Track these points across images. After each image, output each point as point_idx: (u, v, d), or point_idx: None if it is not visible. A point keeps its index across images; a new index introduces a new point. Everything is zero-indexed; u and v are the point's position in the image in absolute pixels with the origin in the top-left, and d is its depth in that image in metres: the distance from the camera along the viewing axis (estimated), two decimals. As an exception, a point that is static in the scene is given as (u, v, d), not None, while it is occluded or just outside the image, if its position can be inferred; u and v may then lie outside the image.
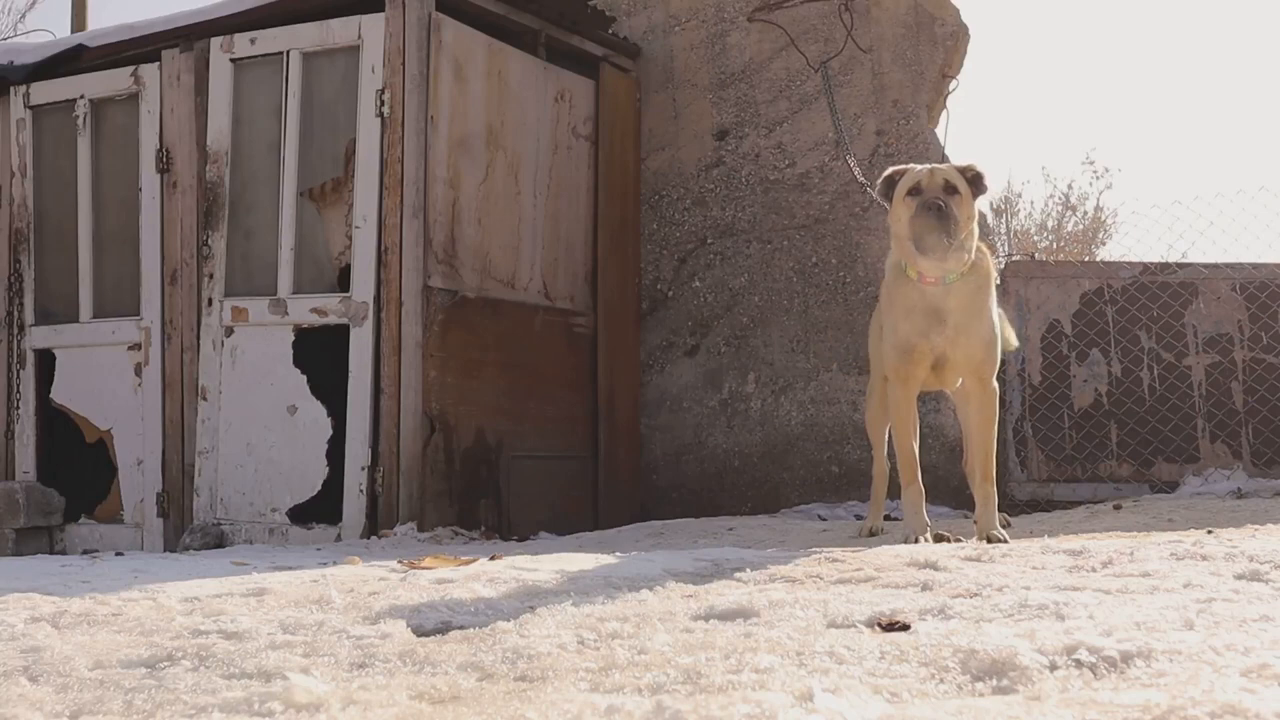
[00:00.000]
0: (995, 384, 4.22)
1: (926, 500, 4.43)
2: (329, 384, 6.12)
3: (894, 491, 5.50)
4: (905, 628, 2.13)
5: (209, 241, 6.48)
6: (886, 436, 4.92)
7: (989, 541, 3.84)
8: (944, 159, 6.91)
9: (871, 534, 4.97)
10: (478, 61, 6.40)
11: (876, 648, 1.94)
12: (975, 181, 4.01)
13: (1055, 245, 15.50)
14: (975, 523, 4.21)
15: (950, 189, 3.94)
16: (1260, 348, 6.70)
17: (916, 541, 3.99)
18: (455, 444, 6.22)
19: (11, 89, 7.08)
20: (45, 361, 7.02)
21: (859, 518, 5.95)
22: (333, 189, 6.29)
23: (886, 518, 5.29)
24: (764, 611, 2.35)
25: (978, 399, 4.21)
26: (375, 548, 5.38)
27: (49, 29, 30.61)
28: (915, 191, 3.96)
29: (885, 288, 4.26)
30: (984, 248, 4.13)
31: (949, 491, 6.45)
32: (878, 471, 5.14)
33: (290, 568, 3.79)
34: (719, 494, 7.20)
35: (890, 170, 4.17)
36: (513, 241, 6.63)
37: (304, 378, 6.20)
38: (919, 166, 4.08)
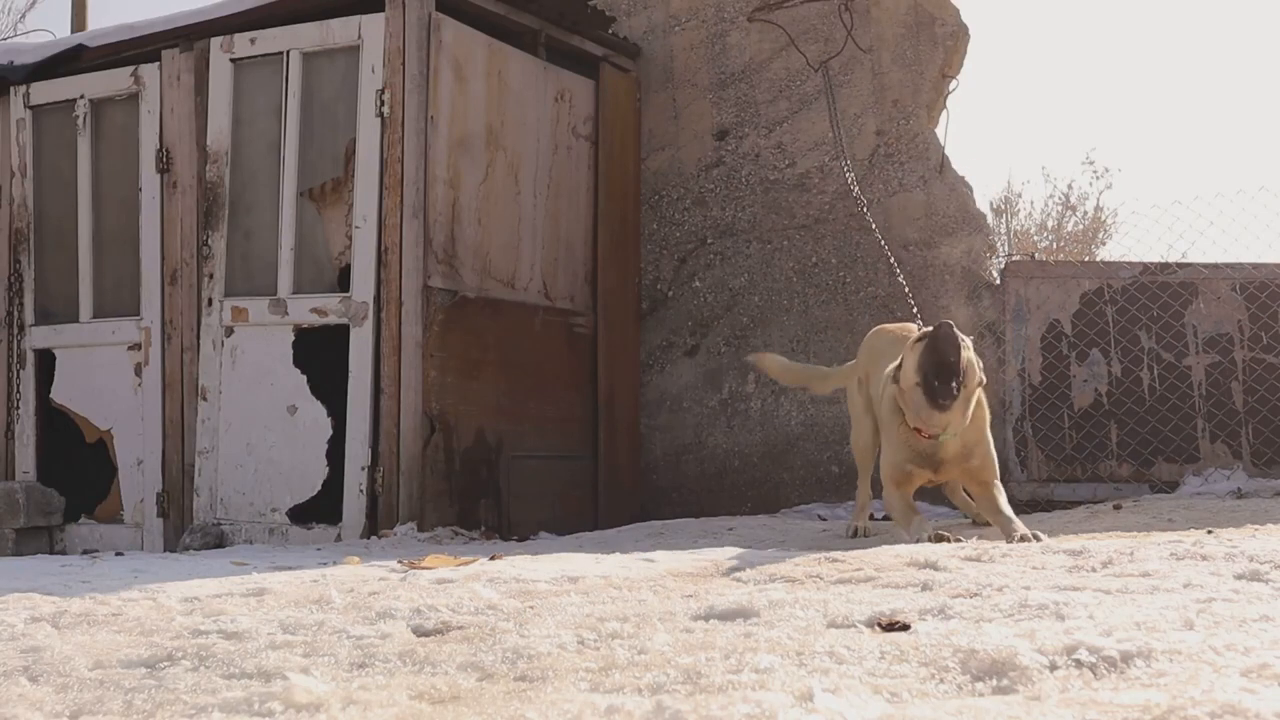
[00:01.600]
0: (998, 484, 4.32)
1: (926, 500, 4.47)
2: (329, 384, 6.12)
3: (878, 491, 5.54)
4: (905, 628, 2.13)
5: (209, 241, 6.48)
6: (872, 465, 5.01)
7: (1021, 540, 3.87)
8: (944, 159, 6.94)
9: (865, 535, 5.00)
10: (478, 61, 6.40)
11: (876, 648, 1.94)
12: (969, 368, 4.09)
13: (1055, 245, 15.47)
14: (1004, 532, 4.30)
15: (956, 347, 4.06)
16: (1260, 348, 6.69)
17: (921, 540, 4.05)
18: (455, 444, 6.21)
19: (11, 89, 7.08)
20: (45, 361, 7.02)
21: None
22: (333, 189, 6.29)
23: (871, 518, 5.34)
24: (764, 611, 2.35)
25: (983, 497, 4.35)
26: (375, 548, 5.38)
27: (49, 29, 30.58)
28: (925, 340, 4.07)
29: (886, 401, 4.33)
30: (980, 394, 4.24)
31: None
32: (861, 493, 5.27)
33: (290, 568, 3.80)
34: (719, 494, 7.20)
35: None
36: (513, 241, 6.63)
37: (304, 378, 6.20)
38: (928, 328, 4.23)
